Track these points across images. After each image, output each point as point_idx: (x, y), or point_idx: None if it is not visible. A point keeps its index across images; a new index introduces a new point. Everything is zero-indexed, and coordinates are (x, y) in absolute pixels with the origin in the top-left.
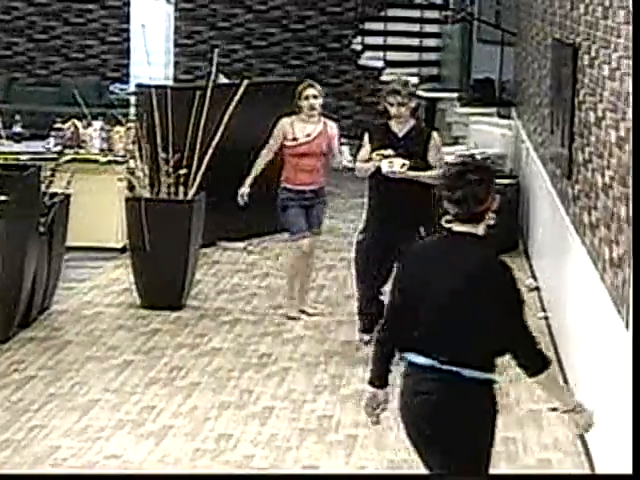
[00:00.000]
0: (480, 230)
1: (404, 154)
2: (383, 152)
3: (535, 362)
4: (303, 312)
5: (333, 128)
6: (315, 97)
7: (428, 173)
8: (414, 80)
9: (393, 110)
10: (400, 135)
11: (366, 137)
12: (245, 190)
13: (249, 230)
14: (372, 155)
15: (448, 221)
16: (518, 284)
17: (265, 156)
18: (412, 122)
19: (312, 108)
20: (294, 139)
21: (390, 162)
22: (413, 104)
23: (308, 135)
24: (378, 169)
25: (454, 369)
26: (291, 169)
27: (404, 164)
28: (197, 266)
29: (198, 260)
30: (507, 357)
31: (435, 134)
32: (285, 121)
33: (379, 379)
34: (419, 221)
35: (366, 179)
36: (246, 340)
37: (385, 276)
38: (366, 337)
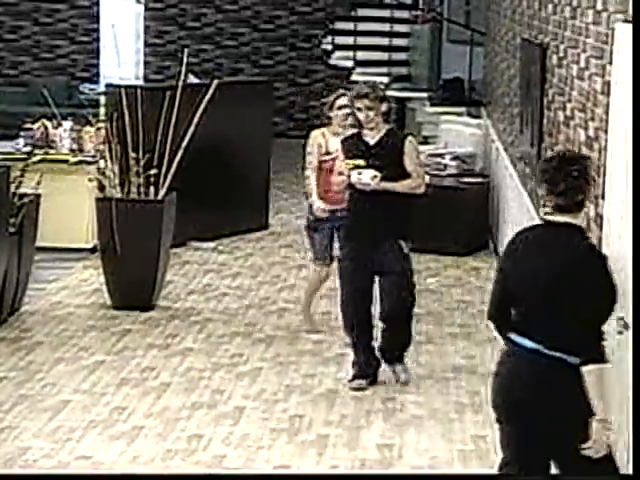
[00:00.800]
0: (579, 219)
1: (377, 164)
2: (353, 162)
3: (591, 351)
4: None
5: None
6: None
7: (404, 183)
8: (383, 80)
9: (362, 116)
10: (372, 143)
11: (339, 149)
12: (320, 205)
13: (220, 230)
14: (343, 165)
15: (548, 213)
16: (612, 275)
17: (312, 176)
18: (385, 129)
19: (347, 119)
20: (327, 153)
21: (359, 173)
22: (384, 108)
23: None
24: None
25: (560, 355)
26: (322, 186)
27: (375, 175)
28: (168, 266)
29: (169, 260)
30: (478, 354)
31: (410, 139)
32: (317, 133)
33: None
34: (399, 235)
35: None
36: (217, 340)
37: (371, 298)
38: (363, 382)
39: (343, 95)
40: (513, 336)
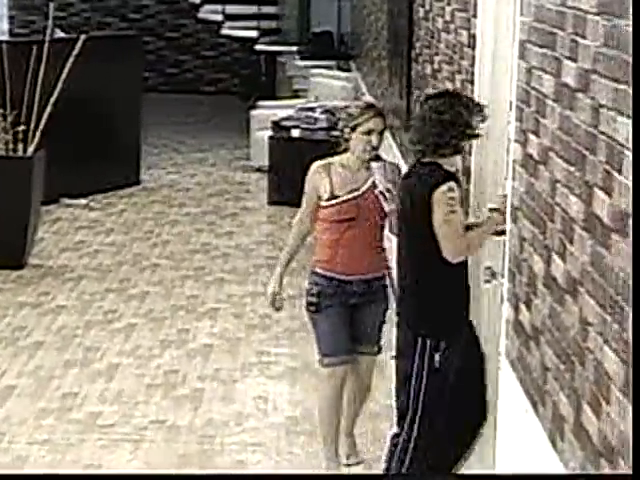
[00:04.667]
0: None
1: None
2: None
3: None
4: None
5: (396, 173)
6: (382, 133)
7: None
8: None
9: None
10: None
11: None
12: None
13: (91, 186)
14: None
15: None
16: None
17: (297, 233)
18: None
19: (373, 149)
20: (333, 197)
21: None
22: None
23: (356, 190)
24: None
25: None
26: (328, 245)
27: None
28: (39, 223)
29: (40, 217)
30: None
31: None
32: (317, 169)
33: None
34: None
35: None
36: (90, 297)
37: None
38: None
39: (378, 115)
40: None
